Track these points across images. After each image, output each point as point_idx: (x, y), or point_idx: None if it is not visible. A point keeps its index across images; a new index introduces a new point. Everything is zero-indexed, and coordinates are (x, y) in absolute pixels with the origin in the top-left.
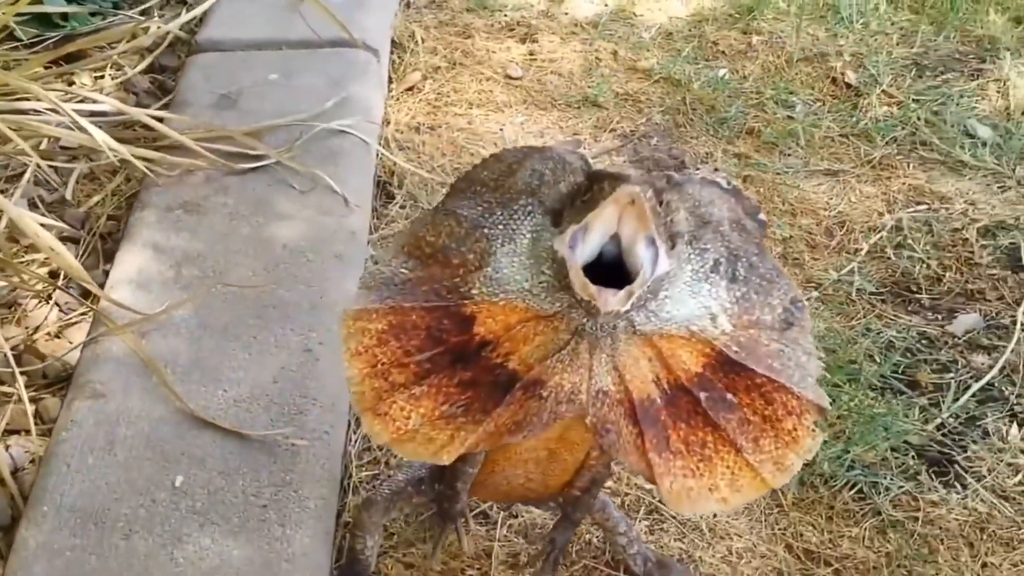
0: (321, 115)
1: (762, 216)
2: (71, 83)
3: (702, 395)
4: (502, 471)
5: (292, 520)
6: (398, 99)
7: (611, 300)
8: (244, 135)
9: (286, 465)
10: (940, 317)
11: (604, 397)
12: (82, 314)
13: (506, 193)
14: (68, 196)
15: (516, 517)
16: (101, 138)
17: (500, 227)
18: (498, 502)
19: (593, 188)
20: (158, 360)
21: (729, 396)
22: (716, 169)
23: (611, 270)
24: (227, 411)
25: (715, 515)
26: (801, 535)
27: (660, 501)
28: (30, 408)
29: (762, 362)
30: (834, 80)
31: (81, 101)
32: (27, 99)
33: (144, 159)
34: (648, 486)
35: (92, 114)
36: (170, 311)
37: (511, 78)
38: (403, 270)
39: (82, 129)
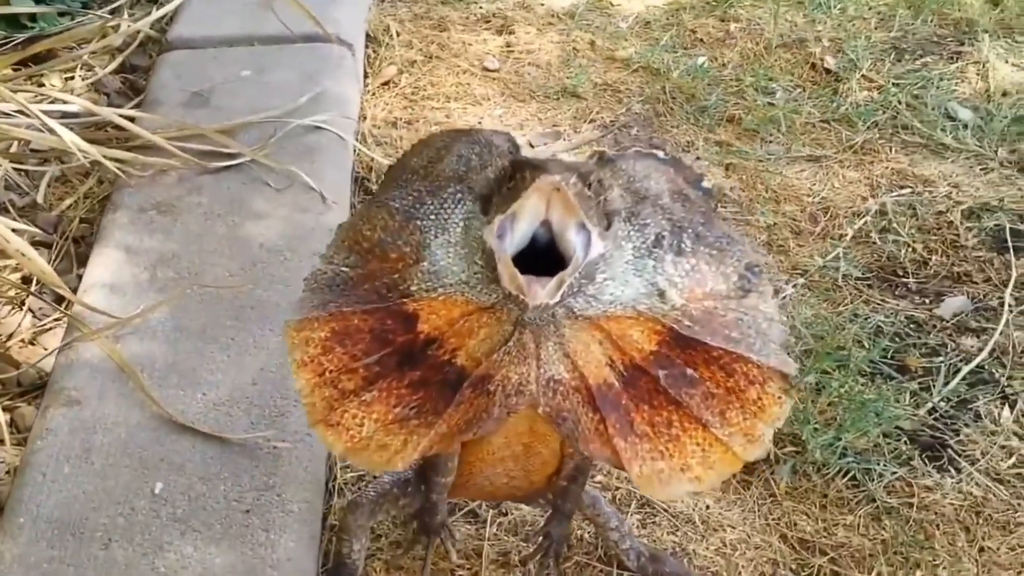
0: (295, 111)
1: (706, 184)
2: (41, 84)
3: (661, 373)
4: (481, 472)
5: (276, 525)
6: (374, 94)
7: (540, 293)
8: (217, 133)
9: (268, 469)
10: (928, 301)
11: (556, 385)
12: (56, 320)
13: (435, 181)
14: (40, 200)
15: (506, 515)
16: (70, 139)
17: (432, 217)
18: (486, 501)
19: (515, 176)
20: (134, 364)
21: (689, 371)
22: (698, 159)
23: (546, 253)
24: (206, 415)
25: (707, 507)
26: (795, 524)
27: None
28: (4, 417)
29: (718, 334)
30: (813, 66)
31: (52, 102)
32: None
33: (116, 160)
34: None
35: (64, 115)
36: (145, 314)
37: (488, 70)
38: (344, 268)
39: (51, 131)
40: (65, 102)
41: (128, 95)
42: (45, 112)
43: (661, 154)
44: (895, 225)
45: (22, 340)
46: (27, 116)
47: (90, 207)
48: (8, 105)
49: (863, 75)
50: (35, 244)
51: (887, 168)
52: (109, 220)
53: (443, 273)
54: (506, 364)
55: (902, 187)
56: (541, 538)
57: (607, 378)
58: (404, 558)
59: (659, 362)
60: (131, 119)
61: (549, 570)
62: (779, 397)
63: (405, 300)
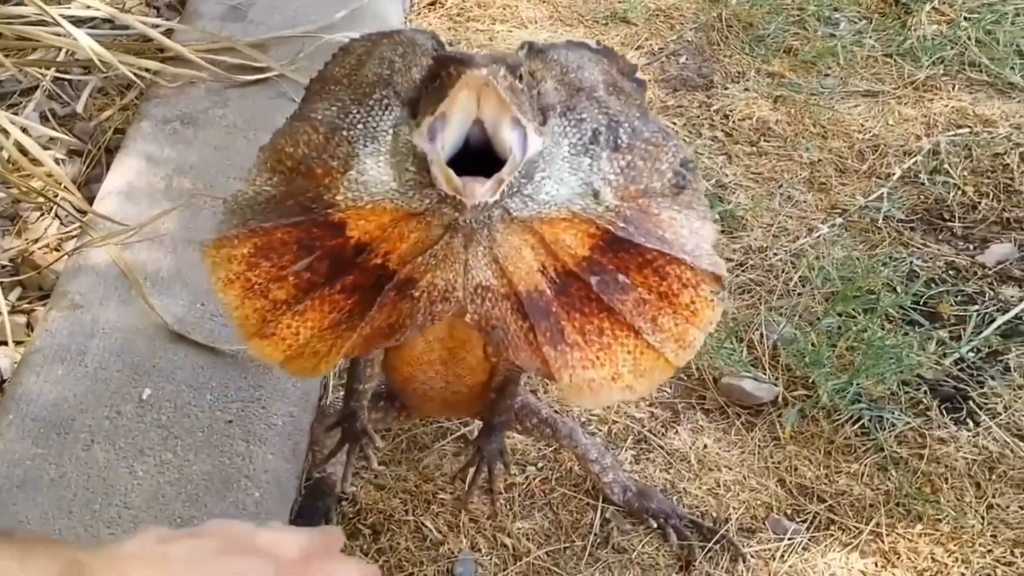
0: (330, 27)
1: (639, 75)
2: None
3: (593, 280)
4: (414, 377)
5: (256, 437)
6: (419, 14)
7: (479, 191)
8: (248, 47)
9: (256, 381)
10: (972, 247)
11: (485, 292)
12: (80, 227)
13: (359, 88)
14: (80, 110)
15: None
16: (87, 44)
17: (360, 127)
18: (443, 415)
19: (440, 74)
20: (139, 272)
21: (621, 277)
22: (747, 89)
23: (481, 155)
24: (202, 325)
25: (705, 446)
26: (796, 469)
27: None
28: (19, 319)
29: (652, 235)
30: None
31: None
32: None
33: (146, 70)
34: (637, 414)
35: (114, 27)
36: (153, 223)
37: None
38: (267, 188)
39: (71, 37)
40: (91, 7)
41: (177, 9)
42: (71, 18)
43: (592, 43)
44: (947, 166)
45: (47, 245)
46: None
47: (126, 119)
48: (29, 9)
49: (934, 7)
50: (70, 152)
51: (946, 106)
52: (135, 130)
53: (372, 183)
54: (432, 268)
55: (960, 126)
56: (473, 451)
57: (538, 285)
58: (387, 476)
59: (592, 268)
60: (170, 32)
61: (486, 485)
62: (711, 300)
63: (330, 211)
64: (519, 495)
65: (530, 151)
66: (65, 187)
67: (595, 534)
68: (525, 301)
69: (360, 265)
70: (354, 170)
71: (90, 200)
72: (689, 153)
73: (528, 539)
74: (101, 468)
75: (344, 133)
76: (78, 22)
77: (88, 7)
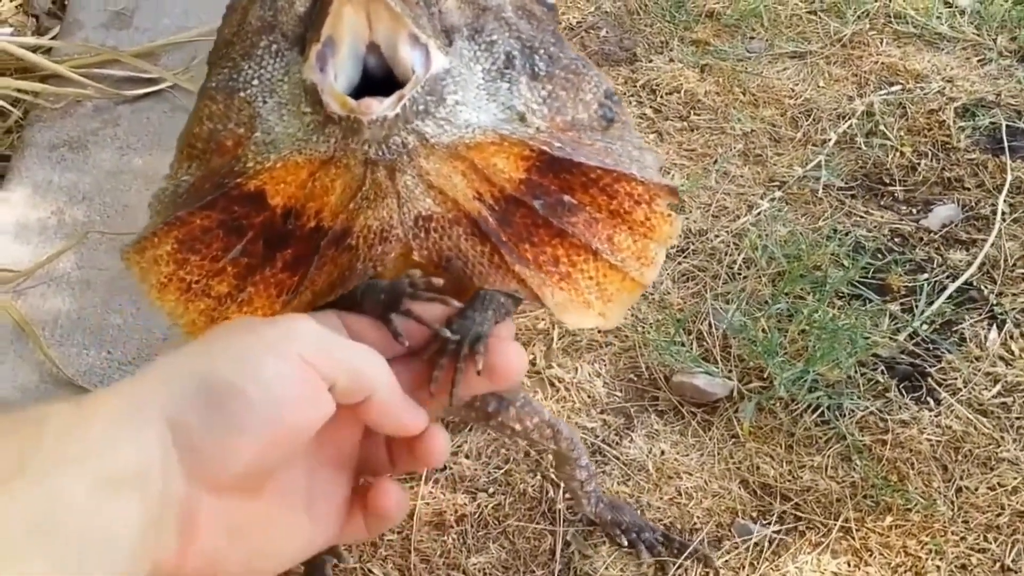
0: None
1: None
2: None
3: (536, 203)
4: None
5: None
6: None
7: (375, 106)
8: (135, 57)
9: None
10: (915, 211)
11: (428, 223)
12: None
13: (246, 41)
14: None
15: (444, 469)
16: None
17: (255, 83)
18: None
19: None
20: (36, 321)
21: (567, 198)
22: (671, 60)
23: (386, 88)
24: (111, 375)
25: (663, 452)
26: (758, 468)
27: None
28: None
29: (593, 157)
30: None
31: None
32: None
33: (26, 92)
34: (590, 424)
35: None
36: (44, 266)
37: None
38: (186, 178)
39: None
40: None
41: (58, 16)
42: None
43: None
44: (882, 127)
45: None
46: None
47: (11, 144)
48: None
49: None
50: None
51: (876, 63)
52: (19, 159)
53: (279, 140)
54: (363, 211)
55: (892, 84)
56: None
57: (480, 211)
58: None
59: (532, 190)
60: (34, 48)
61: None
62: (668, 215)
63: (241, 180)
64: (472, 526)
65: (434, 68)
66: None
67: (556, 561)
68: (479, 221)
69: (295, 234)
70: (258, 131)
71: None
72: (611, 85)
73: (485, 575)
74: None
75: (241, 94)
76: None
77: None
